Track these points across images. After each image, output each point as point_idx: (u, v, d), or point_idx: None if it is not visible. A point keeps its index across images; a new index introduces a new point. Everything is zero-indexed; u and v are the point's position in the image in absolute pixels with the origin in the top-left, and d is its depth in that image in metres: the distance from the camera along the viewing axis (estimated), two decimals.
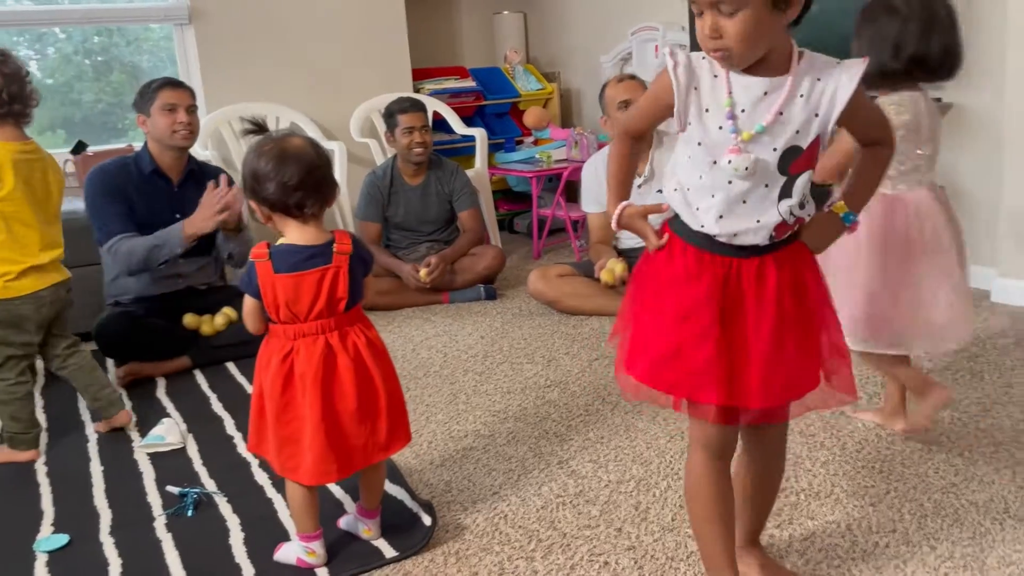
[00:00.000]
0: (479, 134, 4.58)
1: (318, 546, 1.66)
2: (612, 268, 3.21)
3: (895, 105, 1.85)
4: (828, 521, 1.71)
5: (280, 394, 1.58)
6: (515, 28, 5.49)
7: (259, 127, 1.67)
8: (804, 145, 1.23)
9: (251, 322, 1.63)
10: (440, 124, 4.72)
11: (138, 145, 4.03)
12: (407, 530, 1.75)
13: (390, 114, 3.79)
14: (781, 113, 1.22)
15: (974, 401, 2.24)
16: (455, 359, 2.91)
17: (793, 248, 1.31)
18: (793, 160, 1.24)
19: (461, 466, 2.08)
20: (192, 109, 2.98)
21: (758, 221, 1.25)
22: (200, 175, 3.07)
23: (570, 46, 5.31)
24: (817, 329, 1.33)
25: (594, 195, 3.48)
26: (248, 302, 1.61)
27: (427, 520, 1.76)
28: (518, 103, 5.27)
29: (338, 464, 1.59)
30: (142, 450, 2.27)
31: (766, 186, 1.24)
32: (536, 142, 5.06)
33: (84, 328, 3.03)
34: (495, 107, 5.24)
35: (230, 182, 2.88)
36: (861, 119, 1.30)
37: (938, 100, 3.28)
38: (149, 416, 2.52)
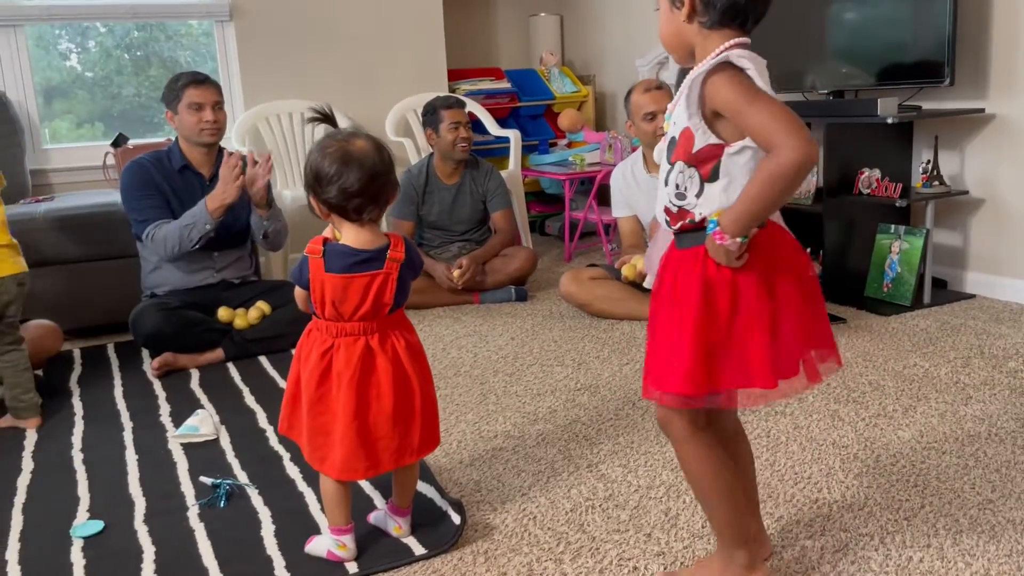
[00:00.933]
0: (513, 135, 4.59)
1: (349, 540, 1.67)
2: (634, 263, 3.20)
3: None
4: (861, 534, 1.69)
5: (316, 388, 1.59)
6: (551, 30, 5.49)
7: (325, 116, 1.66)
8: (676, 135, 1.32)
9: (301, 304, 1.66)
10: (475, 125, 4.72)
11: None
12: (436, 528, 1.76)
13: (433, 110, 3.80)
14: (676, 104, 1.32)
15: (1012, 417, 2.20)
16: (485, 359, 2.92)
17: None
18: (672, 150, 1.33)
19: (491, 466, 2.08)
20: (218, 106, 3.03)
21: (660, 208, 1.37)
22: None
23: (606, 49, 5.30)
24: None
25: (623, 199, 3.46)
26: (297, 290, 1.64)
27: (456, 519, 1.77)
28: (552, 105, 5.27)
29: (367, 463, 1.60)
30: (176, 440, 2.30)
31: (664, 175, 1.36)
32: (570, 145, 5.05)
33: (122, 318, 3.09)
34: (530, 109, 5.25)
35: (248, 160, 2.96)
36: (731, 119, 1.25)
37: (980, 111, 3.24)
38: (183, 407, 2.55)
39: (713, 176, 1.29)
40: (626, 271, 3.23)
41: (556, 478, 1.99)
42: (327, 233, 1.63)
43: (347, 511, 1.67)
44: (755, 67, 1.26)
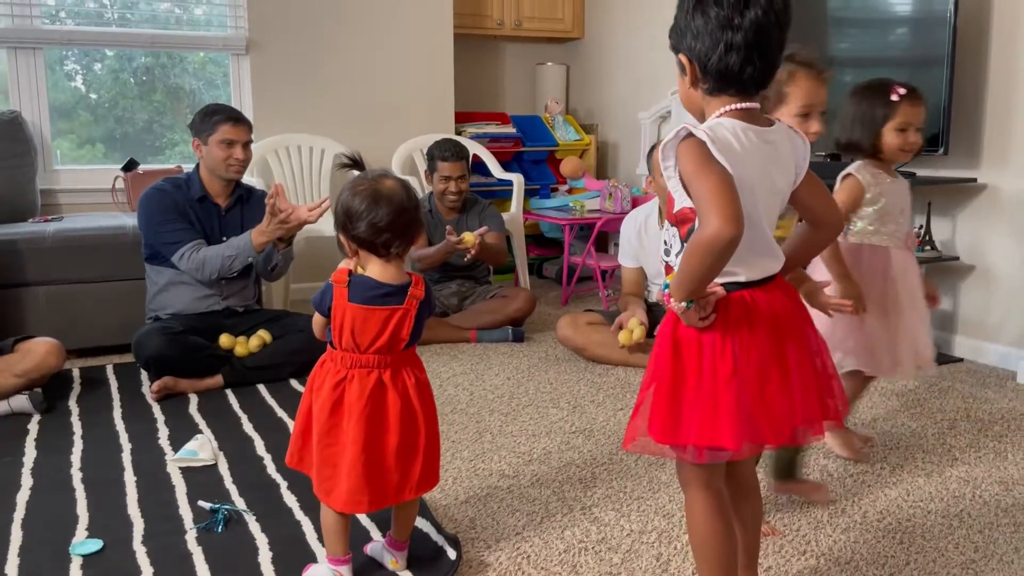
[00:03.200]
0: (516, 179, 4.68)
1: (347, 571, 1.69)
2: (631, 329, 3.25)
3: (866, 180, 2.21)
4: None
5: (327, 418, 1.63)
6: (557, 80, 5.63)
7: (355, 162, 1.76)
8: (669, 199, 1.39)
9: (317, 331, 1.71)
10: (479, 167, 4.83)
11: (187, 166, 4.17)
12: (432, 563, 1.79)
13: (431, 157, 3.90)
14: None
15: (996, 480, 2.25)
16: (481, 398, 2.96)
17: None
18: (665, 209, 1.44)
19: (486, 504, 2.11)
20: (248, 144, 3.11)
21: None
22: (247, 199, 3.20)
23: (609, 101, 5.43)
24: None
25: (631, 250, 3.52)
26: (317, 317, 1.68)
27: (452, 554, 1.80)
28: (555, 152, 5.38)
29: (370, 496, 1.62)
30: (175, 464, 2.33)
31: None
32: (571, 191, 5.15)
33: (123, 340, 3.12)
34: (533, 154, 5.35)
35: (275, 190, 3.00)
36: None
37: (973, 180, 3.34)
38: (181, 431, 2.57)
39: (688, 237, 1.34)
40: (622, 338, 3.27)
41: (550, 519, 2.02)
42: (349, 265, 1.68)
43: (346, 542, 1.70)
44: (717, 138, 1.28)
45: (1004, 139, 3.29)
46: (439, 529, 1.92)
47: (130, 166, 4.04)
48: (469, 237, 3.59)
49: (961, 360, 3.43)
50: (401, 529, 1.77)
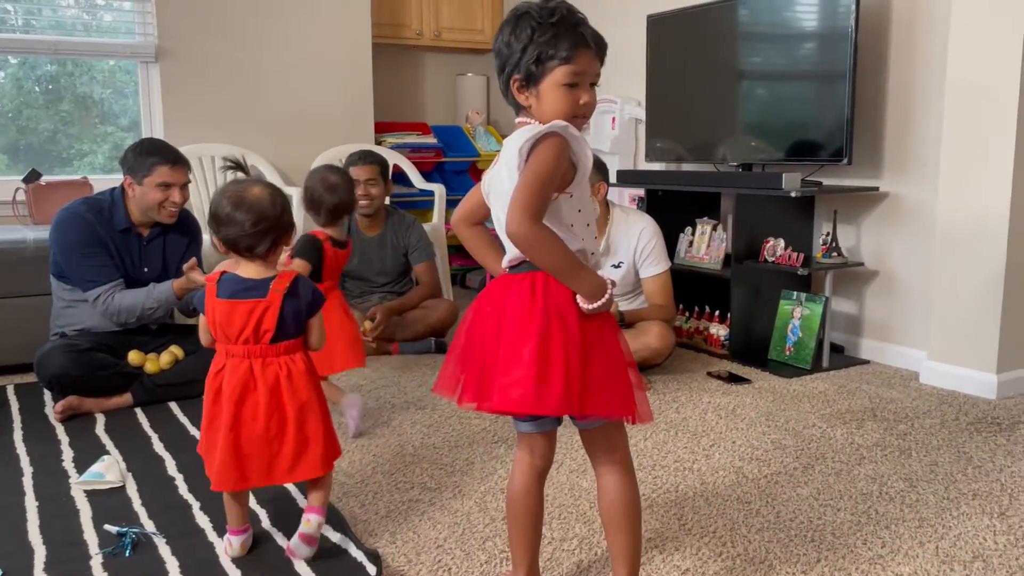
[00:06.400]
0: (438, 190, 4.66)
1: (236, 540, 1.85)
2: None
3: None
4: None
5: (211, 405, 1.78)
6: (477, 90, 5.64)
7: (238, 164, 1.93)
8: None
9: (202, 336, 1.84)
10: (400, 177, 4.80)
11: (93, 178, 4.02)
12: None
13: (345, 166, 3.85)
14: None
15: (902, 477, 2.34)
16: (403, 411, 2.93)
17: None
18: None
19: (407, 517, 2.09)
20: (186, 185, 2.96)
21: None
22: (169, 226, 3.07)
23: None
24: None
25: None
26: (201, 317, 1.81)
27: (372, 569, 1.77)
28: (477, 162, 5.39)
29: (237, 475, 1.76)
30: (79, 487, 2.23)
31: None
32: None
33: (27, 359, 2.98)
34: (455, 164, 5.35)
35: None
36: None
37: (875, 189, 3.49)
38: (87, 453, 2.47)
39: None
40: None
41: (472, 530, 2.01)
42: (226, 266, 1.83)
43: (239, 515, 1.85)
44: None
45: (903, 149, 3.44)
46: (358, 544, 1.88)
47: (31, 177, 3.87)
48: (368, 325, 3.56)
49: (868, 362, 3.56)
50: (313, 499, 1.86)
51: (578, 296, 1.41)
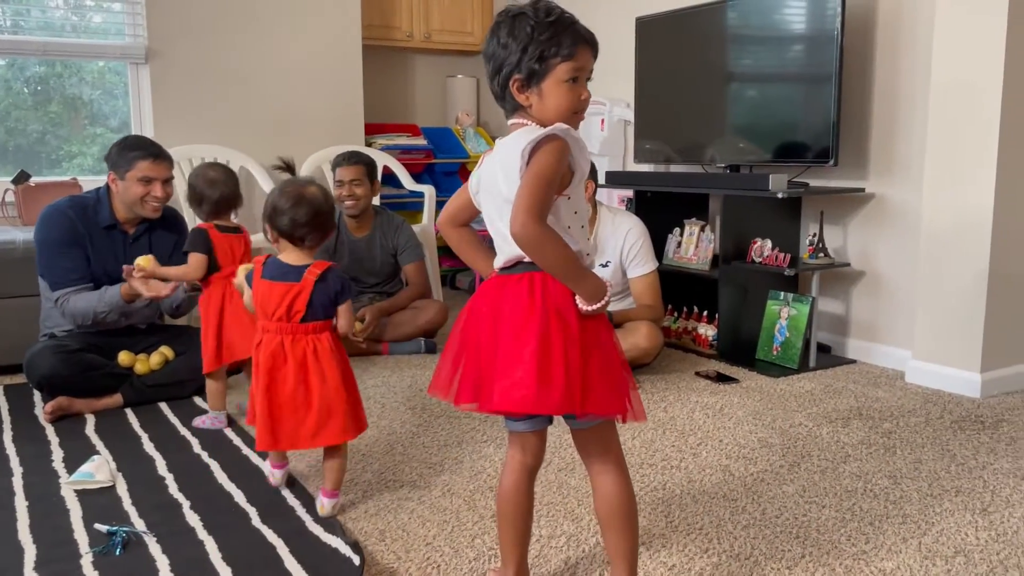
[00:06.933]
0: (428, 191, 4.68)
1: (278, 472, 2.22)
2: None
3: None
4: None
5: (253, 376, 2.05)
6: (468, 92, 5.66)
7: (288, 167, 2.33)
8: None
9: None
10: (390, 179, 4.81)
11: (83, 179, 4.02)
12: (337, 570, 1.76)
13: (332, 167, 3.88)
14: None
15: (886, 474, 2.37)
16: (393, 410, 2.94)
17: None
18: None
19: (396, 516, 2.10)
20: (169, 181, 2.96)
21: None
22: (157, 223, 3.07)
23: None
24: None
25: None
26: (246, 291, 2.09)
27: (356, 560, 1.79)
28: (467, 164, 5.41)
29: (270, 437, 2.02)
30: (70, 487, 2.23)
31: None
32: None
33: (17, 360, 2.98)
34: (445, 166, 5.37)
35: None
36: None
37: (861, 190, 3.52)
38: (77, 453, 2.47)
39: None
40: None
41: (460, 528, 2.03)
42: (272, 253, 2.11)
43: (278, 455, 2.21)
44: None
45: (889, 151, 3.48)
46: (342, 536, 1.90)
47: (20, 178, 3.87)
48: (358, 326, 3.56)
49: (854, 362, 3.60)
50: (328, 480, 2.10)
51: (577, 297, 1.43)
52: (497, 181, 1.45)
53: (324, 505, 2.07)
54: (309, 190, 2.05)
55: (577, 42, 1.41)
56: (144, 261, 2.70)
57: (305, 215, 2.01)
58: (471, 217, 1.63)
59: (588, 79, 1.45)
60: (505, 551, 1.64)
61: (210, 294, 2.66)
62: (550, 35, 1.39)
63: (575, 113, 1.44)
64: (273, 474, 2.22)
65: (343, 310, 2.07)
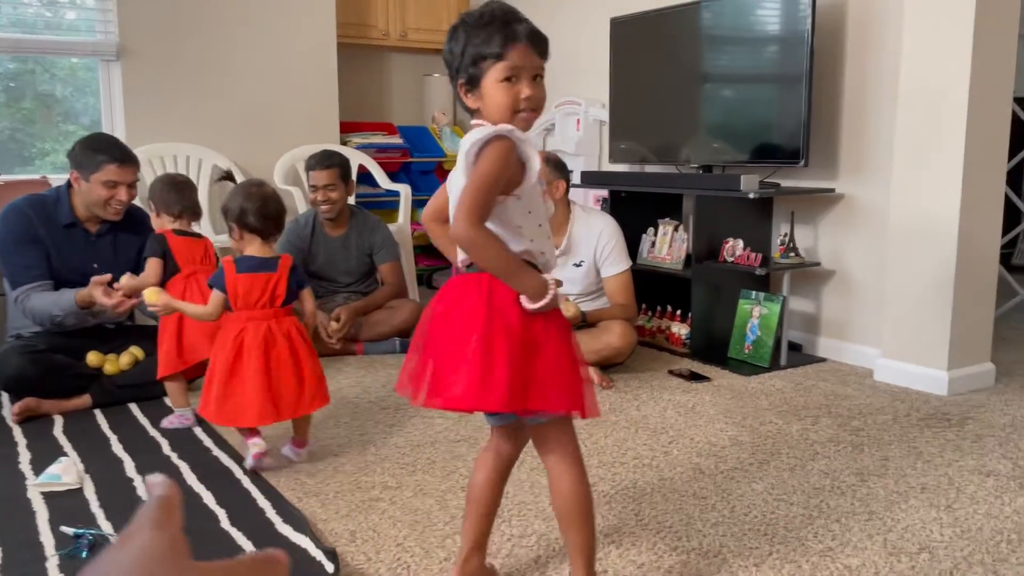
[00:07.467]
0: (404, 190, 4.67)
1: (259, 440, 2.34)
2: (567, 307, 3.08)
3: None
4: None
5: (232, 362, 2.22)
6: (444, 91, 5.65)
7: (230, 176, 2.83)
8: None
9: (214, 312, 2.28)
10: (366, 177, 4.80)
11: (53, 177, 3.97)
12: (307, 574, 1.77)
13: (305, 169, 3.85)
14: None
15: (853, 472, 2.40)
16: (366, 410, 2.94)
17: None
18: None
19: (367, 516, 2.10)
20: (134, 184, 2.92)
21: None
22: (122, 222, 3.02)
23: None
24: None
25: None
26: (216, 295, 2.27)
27: (330, 567, 1.78)
28: (443, 163, 5.40)
29: (273, 409, 2.25)
30: (36, 488, 2.21)
31: None
32: None
33: None
34: (421, 165, 5.36)
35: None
36: None
37: (831, 190, 3.56)
38: (45, 454, 2.45)
39: None
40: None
41: (432, 528, 2.03)
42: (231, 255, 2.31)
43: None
44: None
45: (859, 152, 3.52)
46: (317, 543, 1.90)
47: None
48: (334, 326, 3.58)
49: (824, 360, 3.64)
50: (300, 434, 2.41)
51: (521, 296, 1.45)
52: (458, 181, 1.48)
53: (301, 454, 2.41)
54: (267, 190, 2.33)
55: (509, 40, 1.43)
56: (151, 296, 2.42)
57: (273, 211, 2.30)
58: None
59: (536, 77, 1.47)
60: (465, 532, 1.69)
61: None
62: (482, 38, 1.43)
63: (516, 112, 1.45)
64: (256, 443, 2.32)
65: (307, 294, 2.41)
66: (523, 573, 1.82)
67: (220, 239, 3.57)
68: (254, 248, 2.30)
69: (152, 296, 2.41)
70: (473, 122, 1.50)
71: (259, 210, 2.27)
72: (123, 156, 2.88)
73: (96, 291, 2.70)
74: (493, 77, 1.44)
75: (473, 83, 1.46)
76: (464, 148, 1.43)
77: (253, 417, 2.23)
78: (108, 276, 2.73)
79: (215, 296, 2.28)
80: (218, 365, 2.24)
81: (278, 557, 0.48)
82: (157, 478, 0.50)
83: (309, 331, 2.42)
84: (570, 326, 1.55)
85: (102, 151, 2.85)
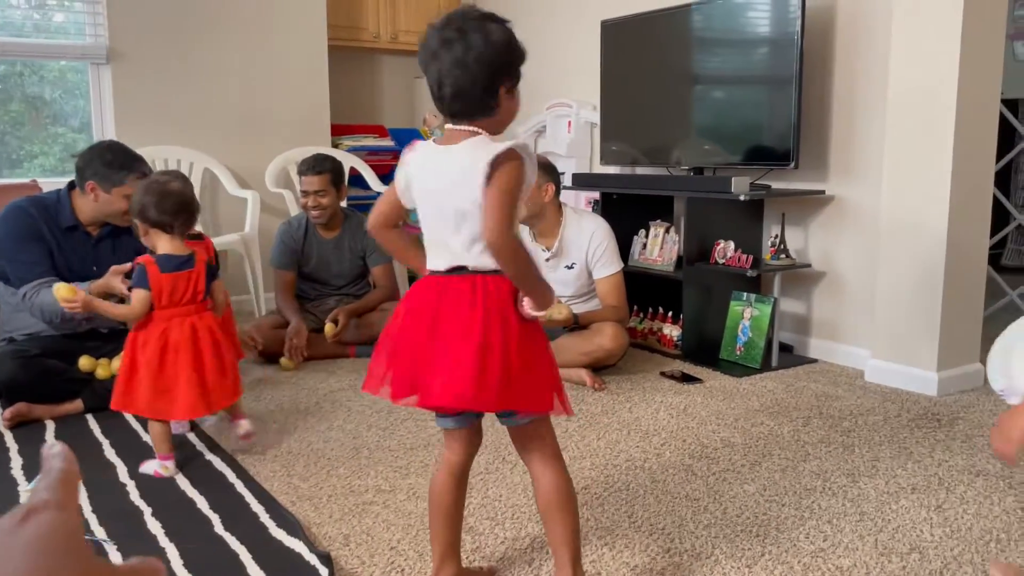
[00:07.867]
0: None
1: (171, 464, 2.36)
2: (559, 309, 3.10)
3: None
4: None
5: (159, 360, 2.27)
6: None
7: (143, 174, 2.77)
8: None
9: (140, 310, 2.28)
10: (357, 180, 4.79)
11: (43, 181, 3.96)
12: None
13: (297, 173, 3.85)
14: None
15: (844, 472, 2.41)
16: (359, 413, 2.94)
17: None
18: None
19: (360, 520, 2.10)
20: None
21: None
22: (120, 227, 3.03)
23: None
24: None
25: None
26: (140, 294, 2.28)
27: (324, 572, 1.78)
28: None
29: (204, 402, 2.33)
30: (28, 494, 2.20)
31: None
32: None
33: None
34: None
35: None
36: None
37: (822, 192, 3.58)
38: (37, 460, 2.43)
39: None
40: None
41: (425, 531, 2.03)
42: (146, 254, 2.34)
43: (170, 443, 2.37)
44: None
45: (848, 153, 3.54)
46: (311, 548, 1.90)
47: None
48: (331, 328, 3.59)
49: (815, 361, 3.66)
50: (236, 413, 2.53)
51: (525, 300, 1.48)
52: (447, 189, 1.49)
53: (243, 425, 2.51)
54: (171, 185, 2.34)
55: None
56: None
57: (172, 206, 2.30)
58: (400, 217, 1.65)
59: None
60: (434, 538, 1.71)
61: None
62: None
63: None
64: (166, 466, 2.35)
65: (219, 285, 2.51)
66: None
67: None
68: (165, 244, 2.32)
69: (66, 292, 2.34)
70: (467, 127, 1.51)
71: (158, 204, 2.28)
72: (146, 169, 2.93)
73: (114, 280, 2.69)
74: (513, 84, 1.51)
75: (514, 85, 1.52)
76: (480, 159, 1.44)
77: (184, 410, 2.30)
78: (128, 266, 2.70)
79: (140, 295, 2.28)
80: (143, 361, 2.27)
81: (156, 566, 0.48)
82: (56, 447, 0.48)
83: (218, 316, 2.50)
84: (541, 326, 1.58)
85: (125, 167, 2.85)
